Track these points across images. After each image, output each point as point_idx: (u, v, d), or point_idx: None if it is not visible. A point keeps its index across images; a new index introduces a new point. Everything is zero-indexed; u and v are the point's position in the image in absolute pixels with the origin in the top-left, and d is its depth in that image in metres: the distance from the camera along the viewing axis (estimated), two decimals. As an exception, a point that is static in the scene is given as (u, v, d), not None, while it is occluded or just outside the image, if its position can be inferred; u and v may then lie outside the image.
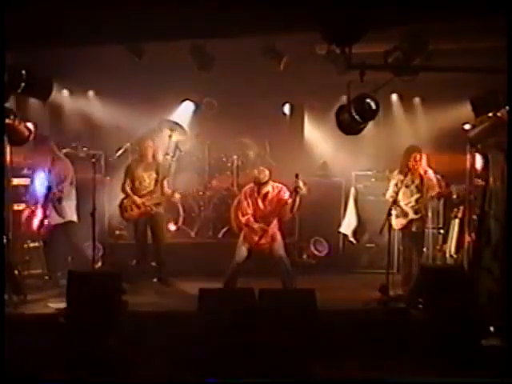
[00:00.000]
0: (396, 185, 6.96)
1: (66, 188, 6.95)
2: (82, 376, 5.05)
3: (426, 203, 7.07)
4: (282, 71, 7.61)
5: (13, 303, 6.23)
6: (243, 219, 6.87)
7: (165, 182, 7.61)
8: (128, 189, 7.46)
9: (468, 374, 5.13)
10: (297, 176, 6.57)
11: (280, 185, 6.94)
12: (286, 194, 6.79)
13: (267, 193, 6.86)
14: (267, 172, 6.86)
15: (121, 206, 7.50)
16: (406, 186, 7.00)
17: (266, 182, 6.83)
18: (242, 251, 6.76)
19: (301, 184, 6.56)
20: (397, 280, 7.05)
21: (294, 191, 6.60)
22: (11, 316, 5.68)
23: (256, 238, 6.75)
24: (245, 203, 6.90)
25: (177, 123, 8.68)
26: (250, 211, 6.86)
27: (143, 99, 8.63)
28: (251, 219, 6.84)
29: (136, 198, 7.40)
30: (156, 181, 7.53)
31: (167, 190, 7.54)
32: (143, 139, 7.71)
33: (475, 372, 5.17)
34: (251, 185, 6.97)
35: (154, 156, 7.59)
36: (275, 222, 6.85)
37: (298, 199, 6.65)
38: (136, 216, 7.47)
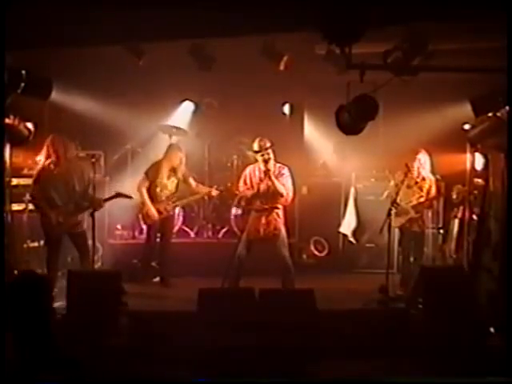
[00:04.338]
0: (396, 185, 6.94)
1: None
2: (81, 376, 5.04)
3: (425, 205, 7.08)
4: (282, 71, 7.60)
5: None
6: (240, 191, 6.84)
7: (190, 180, 7.66)
8: (145, 192, 7.44)
9: (468, 374, 5.12)
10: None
11: (283, 165, 6.86)
12: (286, 175, 6.73)
13: (268, 170, 6.68)
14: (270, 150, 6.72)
15: (141, 212, 7.56)
16: (409, 187, 7.00)
17: (268, 152, 6.67)
18: (243, 244, 6.69)
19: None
20: (396, 280, 7.06)
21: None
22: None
23: (258, 227, 6.66)
24: (244, 177, 6.87)
25: (176, 127, 8.67)
26: (249, 187, 6.77)
27: (143, 99, 8.62)
28: (248, 192, 6.76)
29: (157, 204, 7.44)
30: (177, 185, 7.58)
31: (193, 184, 7.66)
32: (172, 148, 7.69)
33: (475, 372, 5.17)
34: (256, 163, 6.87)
35: (180, 164, 7.58)
36: (280, 212, 6.76)
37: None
38: (157, 220, 7.52)
